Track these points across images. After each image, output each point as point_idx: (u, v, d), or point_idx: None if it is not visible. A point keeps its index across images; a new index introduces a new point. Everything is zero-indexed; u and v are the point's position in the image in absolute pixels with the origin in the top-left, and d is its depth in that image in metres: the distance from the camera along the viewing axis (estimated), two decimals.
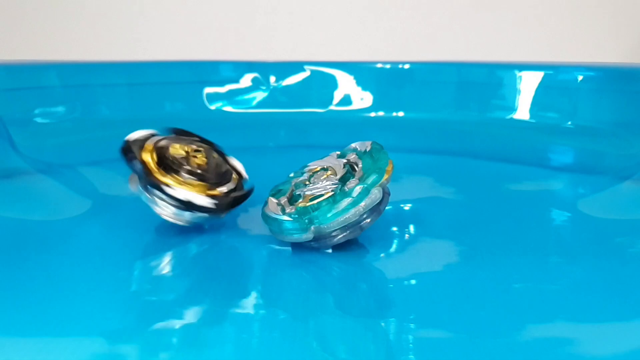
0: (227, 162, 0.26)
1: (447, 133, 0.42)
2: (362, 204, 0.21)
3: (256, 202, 0.25)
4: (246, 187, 0.25)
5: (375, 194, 0.21)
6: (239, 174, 0.26)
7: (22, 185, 0.31)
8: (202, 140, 0.26)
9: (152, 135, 0.25)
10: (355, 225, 0.22)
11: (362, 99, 0.44)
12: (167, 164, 0.23)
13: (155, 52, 0.53)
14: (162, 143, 0.24)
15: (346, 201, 0.21)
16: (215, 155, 0.25)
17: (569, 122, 0.40)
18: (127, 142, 0.23)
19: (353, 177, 0.22)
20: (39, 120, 0.39)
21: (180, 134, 0.26)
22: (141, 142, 0.24)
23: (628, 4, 0.52)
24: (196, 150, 0.24)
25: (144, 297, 0.19)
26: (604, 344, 0.17)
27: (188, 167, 0.24)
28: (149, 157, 0.23)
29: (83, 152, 0.37)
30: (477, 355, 0.16)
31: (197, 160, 0.24)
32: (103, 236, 0.25)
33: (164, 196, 0.23)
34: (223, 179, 0.25)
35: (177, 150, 0.24)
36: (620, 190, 0.31)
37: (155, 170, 0.23)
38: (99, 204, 0.29)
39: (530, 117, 0.41)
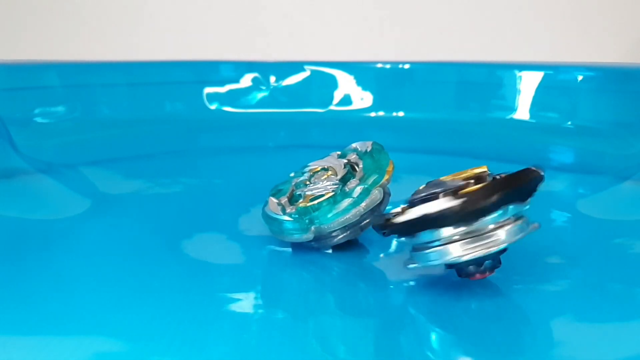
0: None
1: (447, 133, 0.42)
2: (363, 204, 0.21)
3: (256, 202, 0.25)
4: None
5: (376, 194, 0.21)
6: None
7: (22, 185, 0.31)
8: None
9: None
10: (355, 225, 0.22)
11: (362, 99, 0.44)
12: None
13: (155, 52, 0.53)
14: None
15: (347, 201, 0.21)
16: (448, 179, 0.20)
17: (569, 122, 0.40)
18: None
19: (354, 178, 0.22)
20: (39, 120, 0.39)
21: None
22: None
23: (628, 4, 0.52)
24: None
25: (144, 296, 0.19)
26: (604, 345, 0.17)
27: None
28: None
29: (83, 152, 0.37)
30: (477, 356, 0.16)
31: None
32: (103, 236, 0.25)
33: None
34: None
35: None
36: (620, 190, 0.31)
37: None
38: (99, 204, 0.29)
39: (530, 117, 0.41)
